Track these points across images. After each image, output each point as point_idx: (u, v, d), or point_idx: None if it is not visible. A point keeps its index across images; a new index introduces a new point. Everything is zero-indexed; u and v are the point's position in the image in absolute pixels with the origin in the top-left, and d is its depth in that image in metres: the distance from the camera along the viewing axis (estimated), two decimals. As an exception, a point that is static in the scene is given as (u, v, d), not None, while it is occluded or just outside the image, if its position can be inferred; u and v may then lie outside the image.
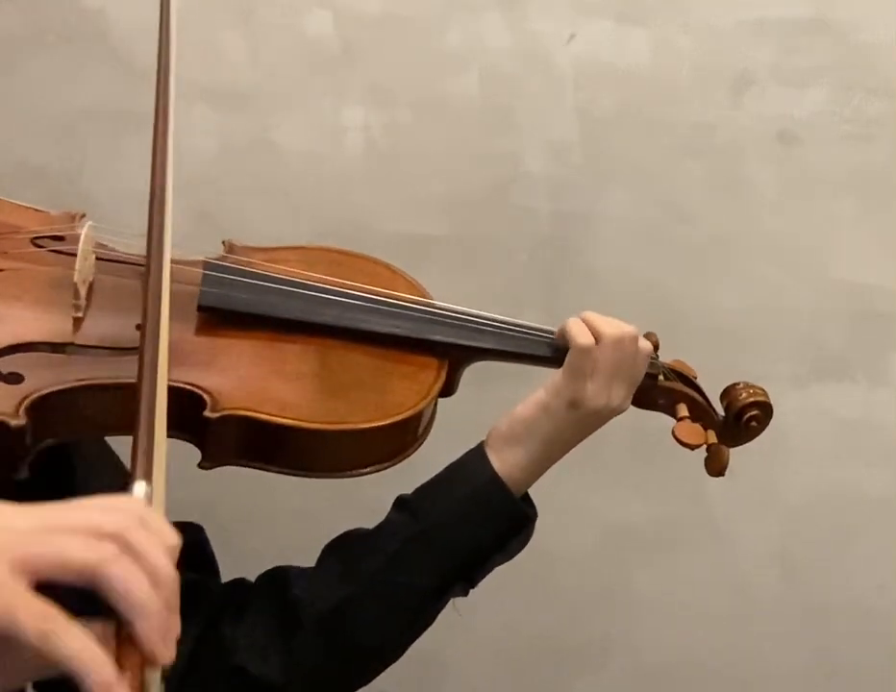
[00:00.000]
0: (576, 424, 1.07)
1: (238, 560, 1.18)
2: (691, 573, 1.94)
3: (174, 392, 0.95)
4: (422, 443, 1.07)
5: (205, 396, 0.97)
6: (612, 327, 1.06)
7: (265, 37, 1.73)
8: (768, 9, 1.70)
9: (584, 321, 1.07)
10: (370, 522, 1.13)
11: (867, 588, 1.92)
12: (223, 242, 1.13)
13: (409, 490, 1.11)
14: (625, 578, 1.94)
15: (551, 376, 1.07)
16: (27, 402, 0.92)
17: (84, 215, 1.09)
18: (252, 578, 1.15)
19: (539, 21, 1.71)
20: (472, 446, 1.10)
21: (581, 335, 1.05)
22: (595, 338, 1.05)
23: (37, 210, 1.11)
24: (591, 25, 1.71)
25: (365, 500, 1.17)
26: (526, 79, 1.74)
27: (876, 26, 1.69)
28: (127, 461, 1.12)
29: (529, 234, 1.80)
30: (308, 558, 1.12)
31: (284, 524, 1.88)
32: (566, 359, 1.06)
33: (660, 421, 1.17)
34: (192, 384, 0.98)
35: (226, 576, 1.17)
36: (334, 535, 1.14)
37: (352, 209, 1.79)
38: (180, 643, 1.04)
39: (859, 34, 1.69)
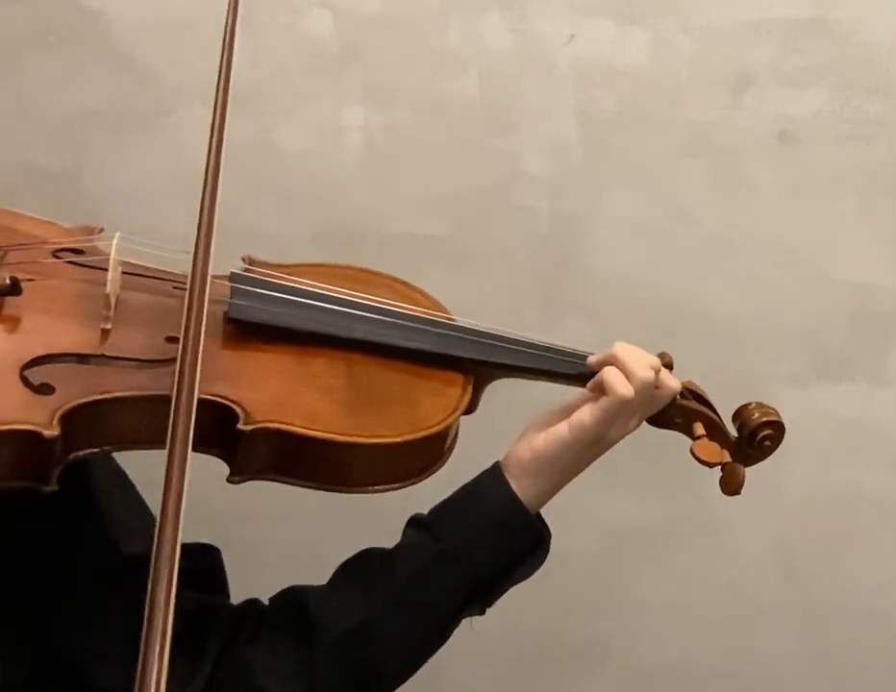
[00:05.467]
0: (595, 455, 1.08)
1: (239, 560, 1.18)
2: (691, 573, 1.94)
3: (205, 406, 0.95)
4: (447, 459, 1.07)
5: (237, 409, 0.97)
6: (644, 369, 1.05)
7: (265, 38, 1.73)
8: (768, 9, 1.70)
9: (618, 365, 1.06)
10: (369, 522, 1.13)
11: (867, 588, 1.92)
12: (243, 258, 1.12)
13: (409, 490, 1.11)
14: (625, 578, 1.94)
15: (577, 414, 1.06)
16: (60, 412, 0.91)
17: (102, 230, 1.09)
18: (255, 582, 1.15)
19: (539, 21, 1.71)
20: (474, 444, 1.10)
21: (621, 386, 1.04)
22: (632, 385, 1.05)
23: (51, 222, 1.11)
24: (591, 25, 1.71)
25: (365, 501, 1.17)
26: (526, 79, 1.74)
27: (876, 26, 1.69)
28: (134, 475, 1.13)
29: (529, 234, 1.80)
30: (308, 559, 1.12)
31: (284, 524, 1.88)
32: (600, 406, 1.05)
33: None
34: (224, 398, 0.97)
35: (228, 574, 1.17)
36: (333, 535, 1.14)
37: (352, 209, 1.79)
38: (197, 667, 1.05)
39: (859, 34, 1.69)
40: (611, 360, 1.06)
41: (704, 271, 1.80)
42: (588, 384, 1.08)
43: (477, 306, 1.12)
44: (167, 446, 0.75)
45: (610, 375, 1.05)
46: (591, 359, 1.09)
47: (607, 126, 1.75)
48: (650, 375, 1.05)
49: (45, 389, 0.93)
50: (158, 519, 0.72)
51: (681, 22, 1.70)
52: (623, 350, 1.07)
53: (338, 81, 1.75)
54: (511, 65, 1.73)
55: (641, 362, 1.06)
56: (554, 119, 1.75)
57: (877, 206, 1.76)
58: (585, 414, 1.06)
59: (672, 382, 1.09)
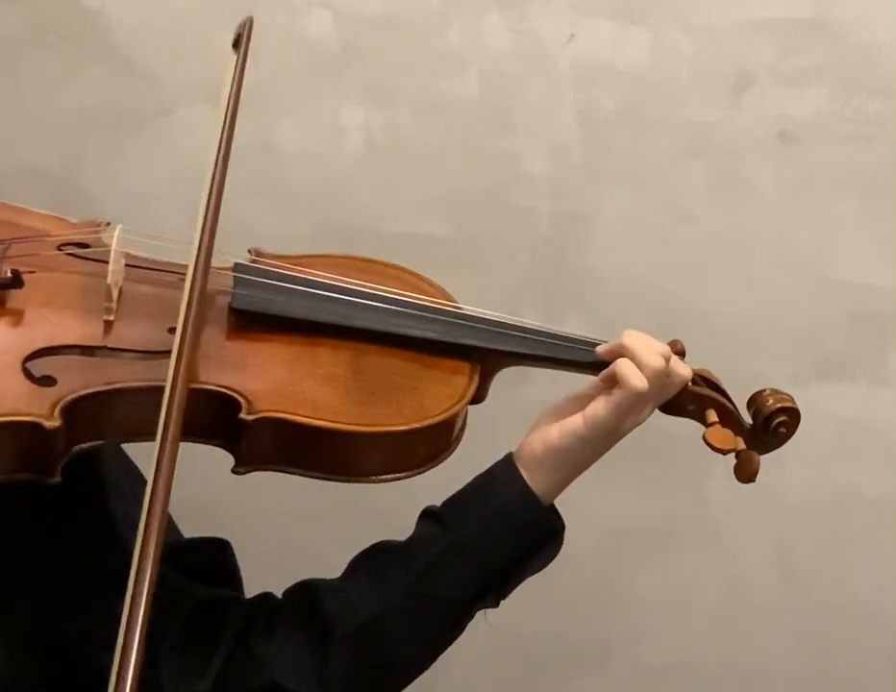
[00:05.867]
0: (608, 446, 1.07)
1: (239, 559, 1.18)
2: (691, 573, 1.94)
3: (208, 396, 0.96)
4: (455, 449, 1.07)
5: (240, 399, 0.97)
6: (655, 358, 1.04)
7: (265, 38, 1.73)
8: (768, 9, 1.70)
9: (629, 354, 1.04)
10: (369, 520, 1.13)
11: (867, 588, 1.92)
12: (249, 250, 1.12)
13: (409, 489, 1.11)
14: (625, 578, 1.94)
15: (591, 407, 1.05)
16: (61, 404, 0.92)
17: (108, 223, 1.09)
18: (255, 581, 1.15)
19: (539, 21, 1.72)
20: (476, 440, 1.10)
21: (634, 378, 1.03)
22: (644, 376, 1.04)
23: (58, 217, 1.11)
24: (591, 25, 1.71)
25: (365, 500, 1.17)
26: (526, 79, 1.74)
27: (876, 26, 1.69)
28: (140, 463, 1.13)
29: (529, 234, 1.80)
30: (307, 559, 1.12)
31: (284, 523, 1.88)
32: (614, 399, 1.04)
33: (662, 421, 1.16)
34: (227, 387, 0.97)
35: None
36: (333, 535, 1.14)
37: (352, 209, 1.79)
38: (208, 661, 1.05)
39: (859, 34, 1.69)
40: (622, 350, 1.05)
41: (704, 271, 1.80)
42: (600, 376, 1.07)
43: (477, 305, 1.12)
44: (159, 431, 0.75)
45: (623, 367, 1.04)
46: (601, 349, 1.08)
47: (607, 126, 1.75)
48: (661, 364, 1.04)
49: (47, 381, 0.93)
50: (146, 504, 0.72)
51: (681, 22, 1.70)
52: (633, 339, 1.05)
53: (338, 81, 1.75)
54: (511, 65, 1.73)
55: (652, 351, 1.04)
56: (554, 119, 1.75)
57: (877, 206, 1.77)
58: (600, 407, 1.04)
59: (683, 369, 1.08)
